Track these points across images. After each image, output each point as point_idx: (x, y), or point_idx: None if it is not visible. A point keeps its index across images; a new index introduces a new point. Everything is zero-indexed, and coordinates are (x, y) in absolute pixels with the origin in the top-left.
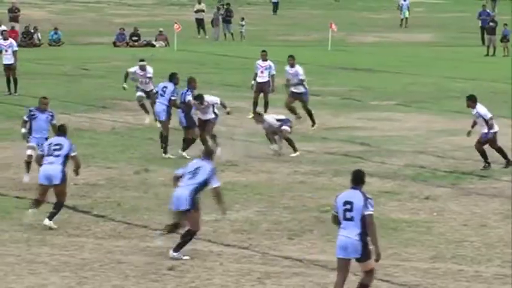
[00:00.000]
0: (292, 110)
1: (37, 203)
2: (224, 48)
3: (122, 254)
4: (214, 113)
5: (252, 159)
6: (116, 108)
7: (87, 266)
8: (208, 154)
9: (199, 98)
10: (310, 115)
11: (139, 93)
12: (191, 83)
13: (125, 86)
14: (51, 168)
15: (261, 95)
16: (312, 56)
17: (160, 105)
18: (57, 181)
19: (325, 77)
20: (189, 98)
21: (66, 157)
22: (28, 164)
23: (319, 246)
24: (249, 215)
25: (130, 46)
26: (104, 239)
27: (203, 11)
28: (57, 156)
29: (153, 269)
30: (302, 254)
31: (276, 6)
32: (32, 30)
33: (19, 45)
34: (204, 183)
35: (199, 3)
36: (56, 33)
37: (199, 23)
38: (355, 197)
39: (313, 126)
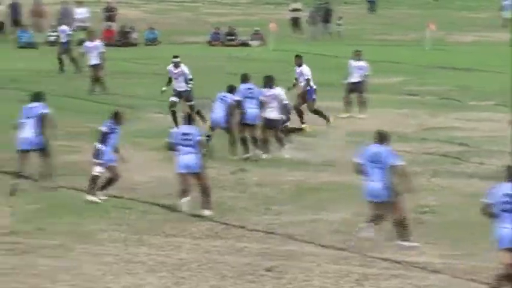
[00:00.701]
0: (317, 113)
1: (184, 192)
2: (321, 48)
3: (219, 254)
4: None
5: (348, 159)
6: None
7: (184, 266)
8: (382, 138)
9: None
10: (318, 114)
11: (172, 99)
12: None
13: (164, 88)
14: (190, 157)
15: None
16: (409, 56)
17: (253, 110)
18: (196, 169)
19: (423, 76)
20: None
21: (198, 144)
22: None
23: (418, 248)
24: (345, 215)
25: (226, 45)
26: (201, 239)
27: (299, 9)
28: (191, 145)
29: (250, 270)
30: (401, 256)
31: (372, 5)
32: (129, 30)
33: (115, 45)
34: (391, 168)
35: (295, 1)
36: (152, 32)
37: (295, 21)
38: None
39: (328, 122)
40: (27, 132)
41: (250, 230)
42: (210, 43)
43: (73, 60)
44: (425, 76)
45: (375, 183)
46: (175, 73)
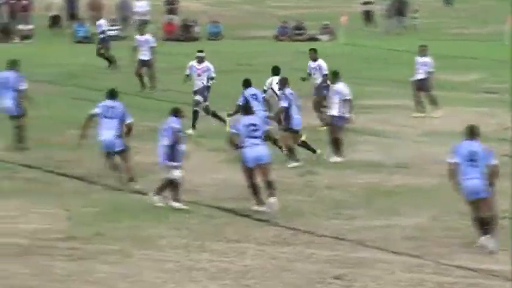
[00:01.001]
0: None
1: (254, 186)
2: (394, 42)
3: (286, 261)
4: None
5: (423, 161)
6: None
7: (249, 273)
8: (473, 133)
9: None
10: (320, 112)
11: (197, 98)
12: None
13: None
14: (259, 149)
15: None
16: (487, 51)
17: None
18: (267, 159)
19: (502, 73)
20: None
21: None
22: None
23: (495, 256)
24: (420, 220)
25: (293, 40)
26: (266, 245)
27: (371, 2)
28: (258, 136)
29: (318, 278)
30: (475, 263)
31: None
32: (191, 23)
33: (177, 39)
34: (487, 166)
35: None
36: (215, 26)
37: (367, 15)
38: None
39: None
40: (108, 133)
41: (319, 235)
42: (276, 38)
43: (106, 55)
44: (505, 73)
45: (474, 180)
46: (198, 69)
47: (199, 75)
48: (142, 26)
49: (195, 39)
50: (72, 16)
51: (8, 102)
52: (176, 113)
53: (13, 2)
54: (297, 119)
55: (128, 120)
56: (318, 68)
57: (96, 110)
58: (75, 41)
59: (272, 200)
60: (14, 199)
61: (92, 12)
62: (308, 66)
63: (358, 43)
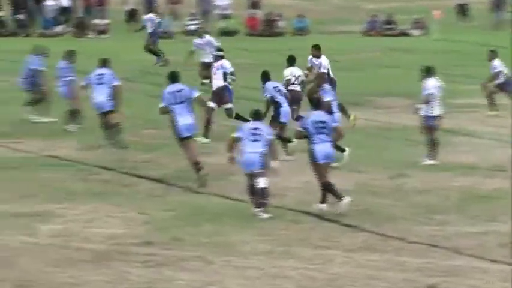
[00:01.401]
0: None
1: (326, 184)
2: (491, 38)
3: (375, 269)
4: None
5: None
6: (367, 105)
7: (336, 281)
8: None
9: None
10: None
11: (211, 105)
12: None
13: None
14: (327, 146)
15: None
16: None
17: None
18: (332, 158)
19: None
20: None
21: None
22: None
23: None
24: None
25: (383, 35)
26: (354, 252)
27: None
28: (326, 133)
29: (409, 287)
30: None
31: None
32: (275, 18)
33: (260, 35)
34: None
35: None
36: (301, 21)
37: (462, 8)
38: None
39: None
40: (186, 118)
41: (410, 242)
42: (365, 33)
43: (154, 51)
44: None
45: None
46: (215, 66)
47: (214, 74)
48: (201, 30)
49: (279, 34)
50: (150, 10)
51: (102, 98)
52: (257, 116)
53: None
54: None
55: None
56: (319, 65)
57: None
58: None
59: (346, 200)
60: (88, 202)
61: (170, 6)
62: (309, 61)
63: (452, 38)
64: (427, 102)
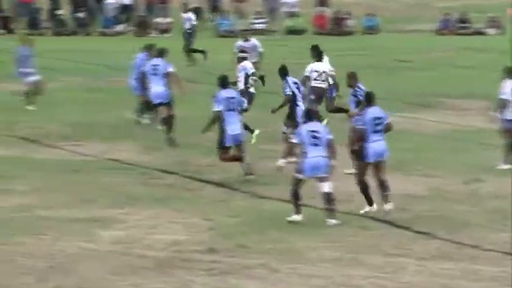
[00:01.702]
0: (338, 110)
1: (366, 185)
2: None
3: (450, 278)
4: None
5: None
6: (440, 106)
7: None
8: None
9: None
10: (338, 111)
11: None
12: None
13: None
14: (382, 144)
15: None
16: None
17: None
18: (387, 156)
19: None
20: None
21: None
22: None
23: None
24: None
25: (457, 34)
26: (427, 260)
27: None
28: (381, 131)
29: None
30: None
31: None
32: (344, 16)
33: (328, 34)
34: None
35: None
36: (371, 19)
37: None
38: None
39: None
40: (236, 125)
41: (486, 250)
42: (438, 32)
43: (192, 51)
44: None
45: None
46: (238, 67)
47: (238, 76)
48: (246, 33)
49: (348, 33)
50: (215, 8)
51: (159, 89)
52: (311, 116)
53: None
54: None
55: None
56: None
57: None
58: (217, 35)
59: (388, 206)
60: (150, 207)
61: (235, 4)
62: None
63: None
64: (503, 106)
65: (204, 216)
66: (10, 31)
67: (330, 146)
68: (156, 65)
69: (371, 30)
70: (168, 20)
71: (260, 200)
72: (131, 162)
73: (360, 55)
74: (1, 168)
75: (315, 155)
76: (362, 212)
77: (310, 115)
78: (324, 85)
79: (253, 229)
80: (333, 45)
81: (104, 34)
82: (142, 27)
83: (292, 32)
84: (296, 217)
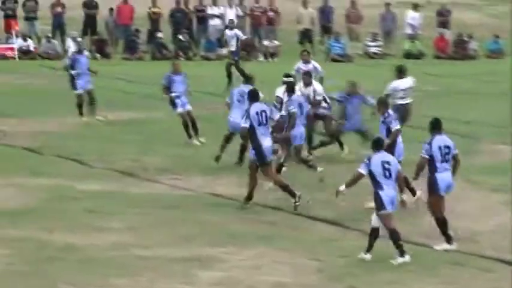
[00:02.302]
0: None
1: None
2: None
3: None
4: None
5: None
6: None
7: None
8: None
9: None
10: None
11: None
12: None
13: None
14: (449, 175)
15: None
16: None
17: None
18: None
19: None
20: None
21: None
22: None
23: None
24: None
25: None
26: None
27: None
28: (449, 160)
29: None
30: None
31: None
32: (466, 39)
33: (451, 57)
34: None
35: None
36: (496, 41)
37: None
38: None
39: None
40: (268, 140)
41: None
42: None
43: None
44: None
45: None
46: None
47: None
48: (306, 55)
49: (471, 57)
50: (326, 30)
51: (238, 117)
52: (380, 145)
53: (258, 14)
54: None
55: None
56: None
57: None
58: (329, 59)
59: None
60: (253, 246)
61: (349, 25)
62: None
63: None
64: None
65: (312, 256)
66: (106, 56)
67: (399, 178)
68: (244, 92)
69: (495, 53)
70: (276, 43)
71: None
72: (231, 197)
73: (484, 81)
74: (97, 203)
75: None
76: (439, 248)
77: (380, 144)
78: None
79: (365, 270)
80: (454, 70)
81: (206, 58)
82: (249, 50)
83: (410, 55)
84: (402, 259)
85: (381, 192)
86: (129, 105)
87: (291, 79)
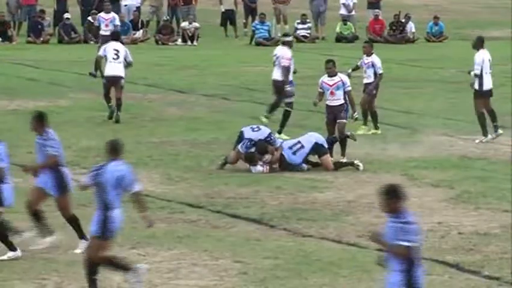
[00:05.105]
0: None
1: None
2: None
3: None
4: None
5: None
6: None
7: None
8: None
9: None
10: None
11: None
12: None
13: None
14: None
15: None
16: None
17: None
18: None
19: None
20: None
21: None
22: None
23: None
24: None
25: None
26: None
27: None
28: None
29: None
30: None
31: None
32: (403, 20)
33: (384, 41)
34: None
35: None
36: (436, 23)
37: None
38: None
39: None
40: None
41: None
42: None
43: None
44: None
45: None
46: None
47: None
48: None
49: (409, 41)
50: (251, 11)
51: None
52: None
53: None
54: None
55: None
56: (371, 64)
57: None
58: (254, 43)
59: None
60: (172, 247)
61: (276, 6)
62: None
63: None
64: None
65: (234, 258)
66: (7, 39)
67: None
68: None
69: (436, 37)
70: (195, 25)
71: (302, 239)
72: (148, 193)
73: (423, 67)
74: None
75: None
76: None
77: None
78: None
79: (293, 273)
80: (391, 54)
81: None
82: (166, 33)
83: (341, 39)
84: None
85: None
86: (34, 93)
87: (290, 38)
